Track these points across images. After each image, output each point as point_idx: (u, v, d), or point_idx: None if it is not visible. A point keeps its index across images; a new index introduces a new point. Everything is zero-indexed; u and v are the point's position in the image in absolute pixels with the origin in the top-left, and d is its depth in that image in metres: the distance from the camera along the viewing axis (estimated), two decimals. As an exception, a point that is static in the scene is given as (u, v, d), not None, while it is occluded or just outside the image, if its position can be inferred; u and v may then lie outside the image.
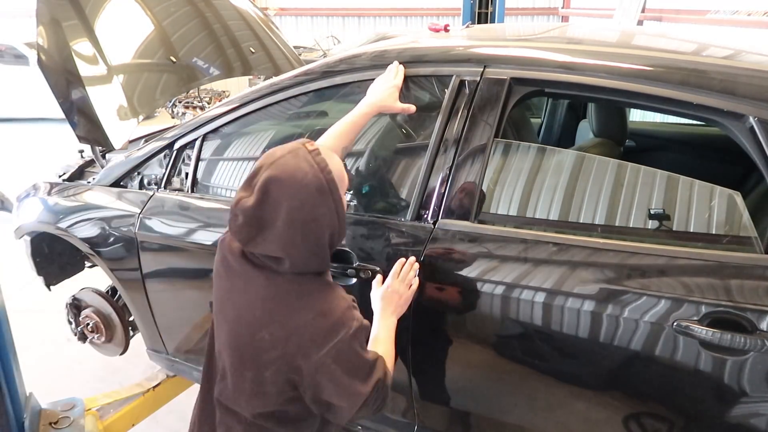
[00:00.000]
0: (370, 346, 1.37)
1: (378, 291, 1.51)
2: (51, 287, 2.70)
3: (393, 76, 1.69)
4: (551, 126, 3.15)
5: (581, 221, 1.55)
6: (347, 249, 1.69)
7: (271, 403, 1.27)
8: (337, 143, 1.58)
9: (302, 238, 1.18)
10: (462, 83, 1.65)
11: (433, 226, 1.61)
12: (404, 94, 1.77)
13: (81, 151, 2.75)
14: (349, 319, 1.24)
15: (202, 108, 7.64)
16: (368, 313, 1.46)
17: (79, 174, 2.61)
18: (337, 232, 1.24)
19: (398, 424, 1.83)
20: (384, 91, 1.65)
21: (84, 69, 2.23)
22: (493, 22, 7.85)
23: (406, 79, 1.76)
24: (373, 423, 1.88)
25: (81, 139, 2.29)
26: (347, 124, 1.62)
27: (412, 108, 1.67)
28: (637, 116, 3.25)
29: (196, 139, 2.12)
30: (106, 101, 2.27)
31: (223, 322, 1.32)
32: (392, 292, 1.49)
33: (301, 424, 1.34)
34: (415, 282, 1.52)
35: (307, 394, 1.25)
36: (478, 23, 7.31)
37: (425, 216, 1.64)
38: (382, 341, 1.43)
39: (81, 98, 2.21)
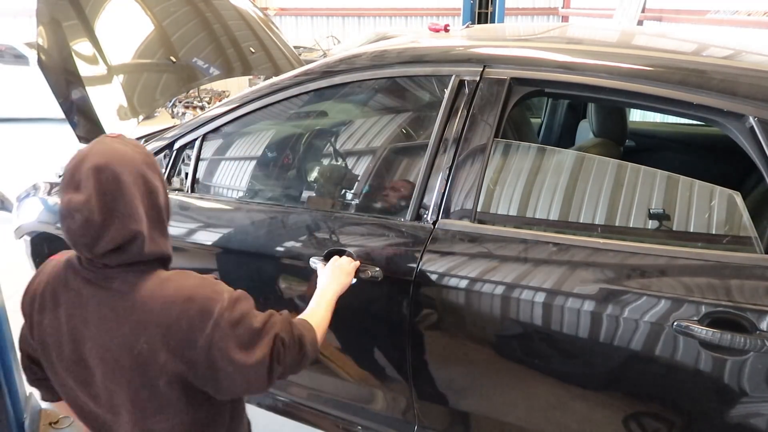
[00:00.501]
0: (306, 316, 1.38)
1: (324, 268, 1.61)
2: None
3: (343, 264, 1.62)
4: (551, 126, 3.15)
5: (581, 221, 1.55)
6: (346, 249, 1.69)
7: (182, 411, 1.19)
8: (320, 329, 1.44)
9: (147, 210, 1.15)
10: (462, 83, 1.65)
11: (433, 226, 1.61)
12: (403, 95, 1.77)
13: (81, 151, 2.75)
14: (217, 293, 1.17)
15: (202, 108, 7.63)
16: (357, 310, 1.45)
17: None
18: (169, 210, 1.24)
19: (398, 424, 1.83)
20: (342, 275, 1.58)
21: (84, 69, 2.23)
22: (493, 22, 7.86)
23: (406, 79, 1.76)
24: (373, 423, 1.88)
25: (81, 139, 2.29)
26: (325, 311, 1.47)
27: (357, 263, 1.64)
28: (637, 116, 3.25)
29: (195, 139, 2.12)
30: (106, 101, 2.28)
31: (88, 368, 1.19)
32: (337, 266, 1.59)
33: (215, 420, 1.27)
34: (356, 261, 1.63)
35: (209, 386, 1.18)
36: (478, 23, 7.31)
37: (425, 216, 1.64)
38: (315, 312, 1.42)
39: (81, 98, 2.21)
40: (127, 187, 1.11)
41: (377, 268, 1.63)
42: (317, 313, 1.42)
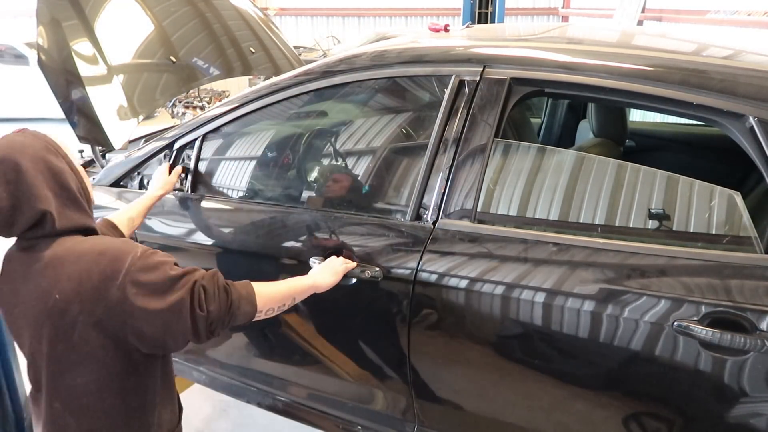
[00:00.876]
0: (259, 283, 1.39)
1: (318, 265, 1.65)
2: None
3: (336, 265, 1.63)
4: (551, 126, 3.15)
5: (581, 221, 1.55)
6: (344, 249, 1.69)
7: (105, 364, 1.21)
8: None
9: (55, 190, 1.21)
10: (462, 83, 1.65)
11: (433, 226, 1.61)
12: (403, 95, 1.77)
13: (81, 151, 2.75)
14: (131, 246, 1.23)
15: (202, 108, 7.63)
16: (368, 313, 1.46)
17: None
18: (83, 188, 1.29)
19: (398, 424, 1.83)
20: (331, 274, 1.60)
21: (84, 69, 2.23)
22: (493, 22, 7.86)
23: (406, 79, 1.76)
24: (373, 423, 1.88)
25: (81, 139, 2.29)
26: (293, 290, 1.50)
27: (352, 264, 1.65)
28: (637, 116, 3.25)
29: (196, 139, 2.13)
30: (106, 101, 2.27)
31: (21, 333, 1.27)
32: (328, 265, 1.61)
33: (142, 387, 1.29)
34: (352, 263, 1.64)
35: (130, 337, 1.20)
36: (478, 23, 7.31)
37: (425, 216, 1.64)
38: (273, 283, 1.44)
39: (81, 98, 2.21)
40: (27, 173, 1.18)
41: (377, 268, 1.63)
42: (273, 284, 1.43)
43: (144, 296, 1.17)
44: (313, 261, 1.72)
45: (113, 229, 1.71)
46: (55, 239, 1.23)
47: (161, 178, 2.04)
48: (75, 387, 1.23)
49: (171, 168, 2.10)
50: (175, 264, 1.26)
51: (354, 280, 1.67)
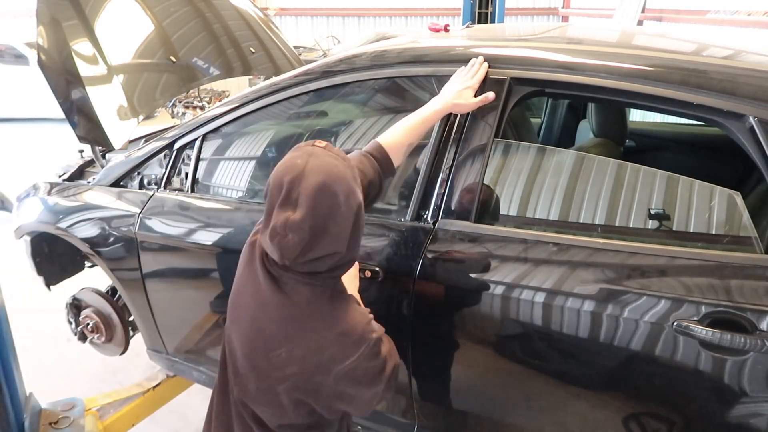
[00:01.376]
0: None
1: None
2: (51, 287, 2.70)
3: (471, 75, 1.60)
4: (551, 126, 3.15)
5: (581, 221, 1.55)
6: None
7: (289, 416, 1.28)
8: (403, 139, 1.54)
9: (354, 229, 1.17)
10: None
11: (433, 226, 1.61)
12: (403, 95, 1.77)
13: (81, 151, 2.75)
14: (368, 332, 1.24)
15: (202, 108, 7.63)
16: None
17: (79, 174, 2.61)
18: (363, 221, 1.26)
19: (398, 424, 1.83)
20: (460, 92, 1.58)
21: (84, 69, 2.23)
22: (493, 22, 7.85)
23: (406, 79, 1.76)
24: (373, 423, 1.88)
25: (81, 139, 2.29)
26: (417, 121, 1.56)
27: (490, 96, 1.58)
28: (637, 116, 3.25)
29: (195, 139, 2.13)
30: (106, 101, 2.27)
31: (236, 324, 1.31)
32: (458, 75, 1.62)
33: (325, 429, 1.36)
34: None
35: (324, 408, 1.27)
36: (478, 23, 7.31)
37: (425, 216, 1.64)
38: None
39: (81, 98, 2.21)
40: (341, 208, 1.13)
41: (377, 268, 1.63)
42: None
43: (358, 385, 1.24)
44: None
45: (382, 160, 1.52)
46: (309, 286, 1.20)
47: (459, 85, 1.60)
48: (266, 417, 1.30)
49: None
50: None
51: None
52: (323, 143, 1.22)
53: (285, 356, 1.20)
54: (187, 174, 2.13)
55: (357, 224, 1.18)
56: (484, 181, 1.58)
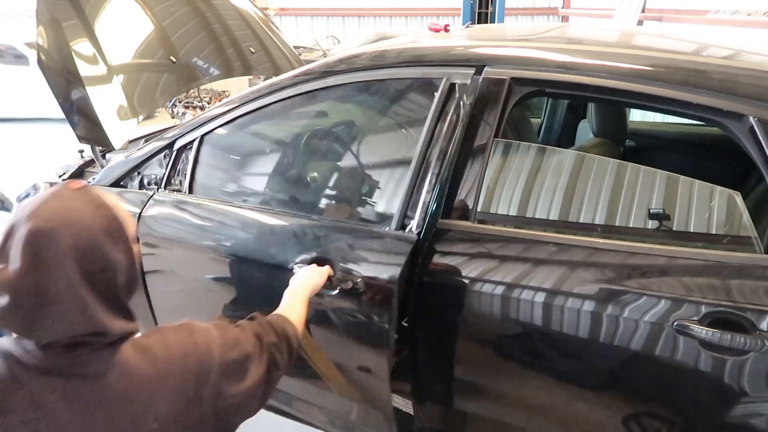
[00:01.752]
0: (283, 311, 1.37)
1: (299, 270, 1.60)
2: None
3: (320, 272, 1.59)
4: (551, 126, 3.15)
5: (581, 221, 1.55)
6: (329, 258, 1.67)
7: None
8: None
9: (98, 297, 0.92)
10: (462, 83, 1.65)
11: (432, 227, 1.61)
12: (403, 95, 1.76)
13: (81, 151, 2.75)
14: (201, 332, 1.10)
15: (202, 108, 7.63)
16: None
17: (79, 174, 2.60)
18: (133, 281, 1.01)
19: (398, 424, 1.83)
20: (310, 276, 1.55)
21: (84, 69, 2.23)
22: (493, 22, 7.86)
23: (406, 80, 1.76)
24: (373, 423, 1.88)
25: (81, 139, 2.29)
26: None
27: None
28: (637, 116, 3.25)
29: (195, 139, 2.12)
30: (106, 101, 2.27)
31: None
32: (310, 268, 1.59)
33: None
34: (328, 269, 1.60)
35: (224, 424, 1.14)
36: (478, 23, 7.31)
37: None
38: (293, 306, 1.41)
39: (81, 98, 2.21)
40: (70, 270, 0.88)
41: (378, 266, 1.63)
42: (295, 308, 1.42)
43: (234, 383, 1.10)
44: (297, 267, 1.68)
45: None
46: (107, 350, 0.95)
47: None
48: None
49: None
50: (234, 323, 1.22)
51: (334, 292, 1.65)
52: (80, 183, 0.99)
53: (158, 425, 0.97)
54: (185, 174, 2.13)
55: (105, 292, 0.94)
56: (484, 181, 1.58)
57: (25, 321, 0.88)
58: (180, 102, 7.80)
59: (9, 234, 0.90)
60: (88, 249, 0.90)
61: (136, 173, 2.27)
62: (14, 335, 0.92)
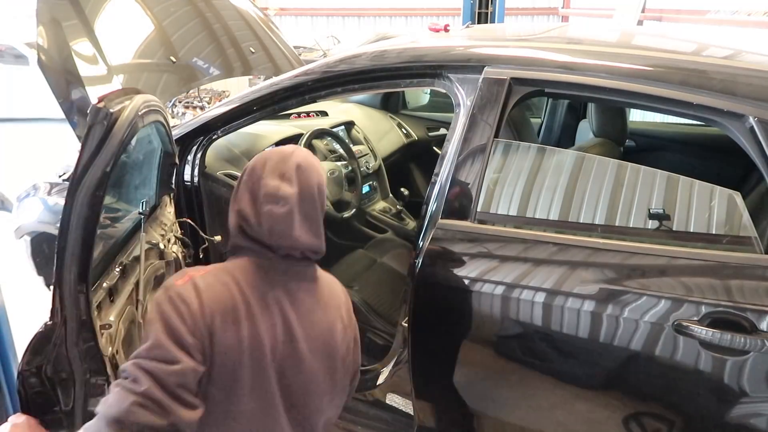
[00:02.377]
0: None
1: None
2: (51, 287, 2.69)
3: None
4: (551, 126, 3.15)
5: (581, 221, 1.54)
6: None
7: (341, 397, 1.33)
8: None
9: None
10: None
11: (433, 227, 1.61)
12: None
13: (81, 151, 2.74)
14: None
15: (202, 108, 7.63)
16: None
17: (79, 174, 2.60)
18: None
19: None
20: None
21: (84, 69, 2.22)
22: (493, 22, 7.85)
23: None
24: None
25: (81, 139, 2.28)
26: None
27: None
28: (637, 116, 3.25)
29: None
30: (106, 101, 2.27)
31: (299, 358, 1.19)
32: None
33: None
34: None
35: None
36: (478, 23, 7.31)
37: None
38: None
39: (81, 98, 2.21)
40: (320, 192, 1.22)
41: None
42: None
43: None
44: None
45: None
46: (310, 265, 1.27)
47: None
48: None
49: None
50: None
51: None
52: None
53: (341, 326, 1.26)
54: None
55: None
56: (484, 181, 1.58)
57: (297, 222, 1.17)
58: (180, 102, 7.80)
59: (283, 160, 1.20)
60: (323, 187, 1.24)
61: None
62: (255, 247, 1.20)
